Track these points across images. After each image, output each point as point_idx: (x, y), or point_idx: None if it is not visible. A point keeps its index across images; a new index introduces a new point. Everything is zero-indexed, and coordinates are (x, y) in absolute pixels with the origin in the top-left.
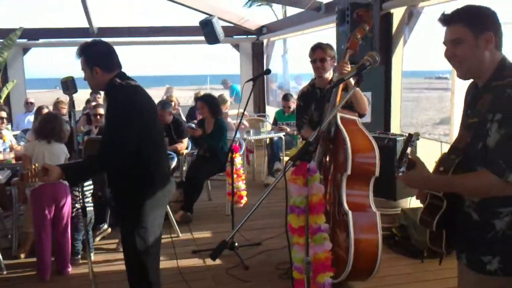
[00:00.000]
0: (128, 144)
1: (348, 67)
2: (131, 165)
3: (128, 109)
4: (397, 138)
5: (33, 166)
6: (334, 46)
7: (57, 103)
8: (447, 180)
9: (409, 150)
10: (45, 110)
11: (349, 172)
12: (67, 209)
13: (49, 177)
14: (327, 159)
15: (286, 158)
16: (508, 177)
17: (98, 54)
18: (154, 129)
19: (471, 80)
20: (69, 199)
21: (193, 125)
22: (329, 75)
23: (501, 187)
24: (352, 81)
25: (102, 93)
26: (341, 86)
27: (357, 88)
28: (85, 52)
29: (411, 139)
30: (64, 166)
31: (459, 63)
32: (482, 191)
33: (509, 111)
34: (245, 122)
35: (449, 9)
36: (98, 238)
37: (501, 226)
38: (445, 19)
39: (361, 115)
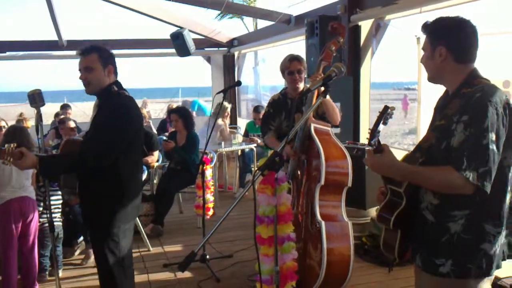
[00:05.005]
0: (112, 149)
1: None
2: (107, 175)
3: (121, 116)
4: (366, 148)
5: (12, 145)
6: (304, 58)
7: (20, 120)
8: (414, 168)
9: (381, 127)
10: (2, 123)
11: (322, 182)
12: (34, 224)
13: (22, 162)
14: (299, 172)
15: None
16: (467, 175)
17: (112, 55)
18: (137, 143)
19: (440, 90)
20: (36, 215)
21: (164, 138)
22: (301, 86)
23: (461, 184)
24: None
25: (73, 107)
26: (315, 95)
27: (329, 98)
28: (99, 50)
29: (386, 112)
30: (40, 155)
31: (425, 69)
32: (444, 186)
33: (476, 113)
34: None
35: (415, 21)
36: (77, 252)
37: (455, 230)
38: (422, 28)
39: (333, 126)
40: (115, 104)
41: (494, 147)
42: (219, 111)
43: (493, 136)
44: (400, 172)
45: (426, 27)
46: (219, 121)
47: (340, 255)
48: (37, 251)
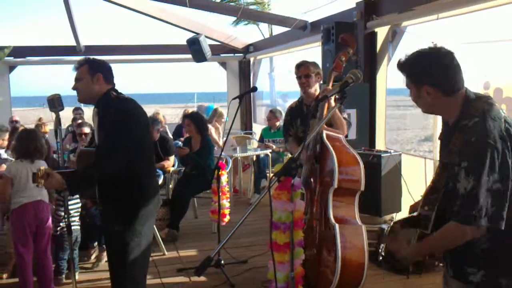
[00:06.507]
0: (125, 152)
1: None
2: (124, 175)
3: (125, 119)
4: (382, 155)
5: (42, 168)
6: (320, 64)
7: (39, 125)
8: (424, 246)
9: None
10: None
11: (335, 185)
12: (48, 227)
13: (49, 183)
14: (312, 179)
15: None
16: (479, 224)
17: (102, 64)
18: (147, 141)
19: None
20: (50, 217)
21: (180, 143)
22: (315, 91)
23: (472, 234)
24: (332, 101)
25: (84, 110)
26: (327, 103)
27: (337, 111)
28: (89, 61)
29: (383, 232)
30: (64, 174)
31: (417, 105)
32: (457, 242)
33: (475, 159)
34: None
35: (432, 28)
36: (93, 256)
37: (487, 245)
38: (398, 68)
39: None
40: (117, 108)
41: (499, 185)
42: (211, 117)
43: (495, 177)
44: (415, 255)
45: (403, 69)
46: (209, 125)
47: (354, 258)
48: (54, 254)
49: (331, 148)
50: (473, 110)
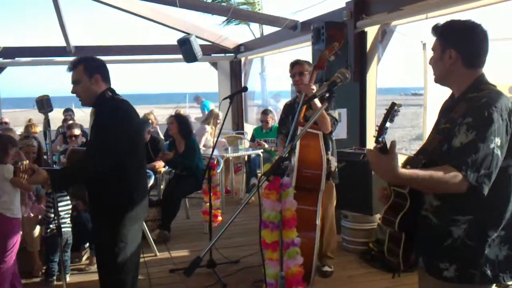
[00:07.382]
0: (114, 152)
1: (314, 88)
2: (113, 176)
3: (117, 119)
4: (370, 147)
5: (25, 162)
6: (310, 61)
7: (29, 126)
8: (411, 172)
9: (388, 124)
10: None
11: (293, 184)
12: (9, 244)
13: (33, 178)
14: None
15: None
16: (470, 176)
17: (99, 64)
18: (139, 143)
19: (446, 95)
20: (7, 232)
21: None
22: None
23: (460, 185)
24: (317, 101)
25: (75, 111)
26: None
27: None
28: (84, 62)
29: (393, 108)
30: (49, 170)
31: (433, 70)
32: (442, 186)
33: (481, 116)
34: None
35: (421, 27)
36: (85, 257)
37: (459, 234)
38: (432, 30)
39: (329, 133)
40: (111, 107)
41: (499, 152)
42: (208, 117)
43: (498, 141)
44: (398, 176)
45: (437, 29)
46: (207, 126)
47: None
48: (45, 256)
49: (297, 149)
50: (484, 88)
